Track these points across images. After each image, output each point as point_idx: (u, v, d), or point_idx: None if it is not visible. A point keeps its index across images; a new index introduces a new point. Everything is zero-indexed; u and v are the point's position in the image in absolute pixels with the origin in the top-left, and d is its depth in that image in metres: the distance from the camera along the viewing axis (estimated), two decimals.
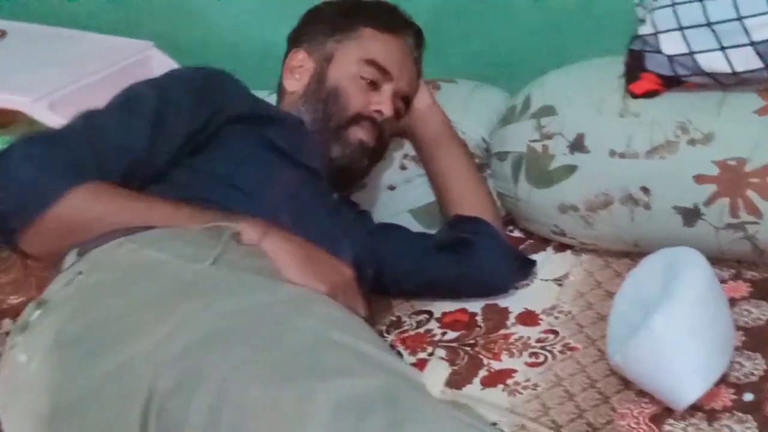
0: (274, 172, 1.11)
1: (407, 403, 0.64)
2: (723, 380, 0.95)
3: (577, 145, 1.22)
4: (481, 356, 1.12)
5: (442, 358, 1.09)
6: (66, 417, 0.72)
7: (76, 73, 1.62)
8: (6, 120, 1.72)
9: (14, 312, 1.53)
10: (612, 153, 1.19)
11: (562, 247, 1.33)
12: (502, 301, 1.23)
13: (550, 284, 1.25)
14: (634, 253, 1.24)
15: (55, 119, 1.50)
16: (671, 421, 0.93)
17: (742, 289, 1.14)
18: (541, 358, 1.09)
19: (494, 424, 0.79)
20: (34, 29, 1.84)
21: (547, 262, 1.31)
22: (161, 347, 0.70)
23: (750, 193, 1.11)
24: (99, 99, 1.64)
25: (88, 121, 1.01)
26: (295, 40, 1.32)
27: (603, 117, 1.22)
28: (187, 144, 1.06)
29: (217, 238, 0.85)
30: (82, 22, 1.87)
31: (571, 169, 1.23)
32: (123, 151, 0.98)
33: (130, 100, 1.06)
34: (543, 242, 1.36)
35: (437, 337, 1.19)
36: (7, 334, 0.88)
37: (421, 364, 0.92)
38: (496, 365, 1.10)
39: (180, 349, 0.69)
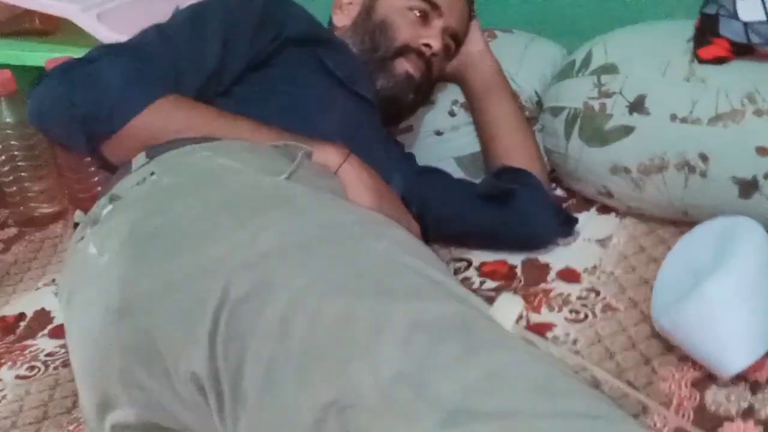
0: (330, 98, 1.11)
1: (481, 332, 0.63)
2: None
3: (637, 106, 1.20)
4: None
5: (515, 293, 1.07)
6: (136, 310, 0.72)
7: None
8: (50, 28, 1.70)
9: (45, 221, 1.53)
10: (673, 117, 1.16)
11: (605, 209, 1.32)
12: (543, 257, 1.22)
13: (593, 244, 1.23)
14: (681, 222, 1.23)
15: (102, 30, 1.49)
16: (714, 387, 0.93)
17: None
18: (582, 315, 1.08)
19: None
20: None
21: (590, 223, 1.29)
22: (236, 253, 0.69)
23: None
24: (145, 14, 1.62)
25: (162, 36, 1.02)
26: None
27: (667, 80, 1.19)
28: (251, 62, 1.06)
29: (288, 155, 0.85)
30: None
31: (628, 130, 1.20)
32: (197, 68, 1.01)
33: (197, 19, 1.06)
34: (586, 203, 1.34)
35: (476, 285, 1.18)
36: (76, 225, 0.87)
37: None
38: (535, 317, 1.09)
39: (255, 257, 0.69)
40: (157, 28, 1.03)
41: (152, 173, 0.82)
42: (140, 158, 0.89)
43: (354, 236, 0.72)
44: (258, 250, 0.69)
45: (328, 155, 0.90)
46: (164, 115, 0.92)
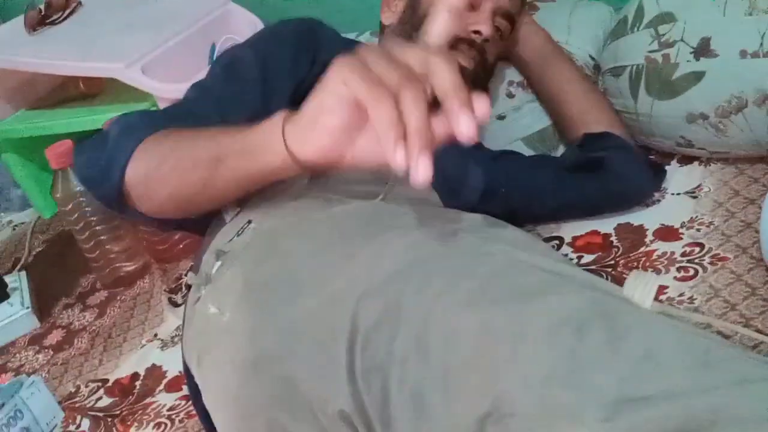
0: None
1: (622, 317, 0.63)
2: None
3: (703, 50, 1.17)
4: (625, 276, 1.09)
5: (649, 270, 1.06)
6: (270, 360, 0.72)
7: (159, 36, 1.61)
8: (95, 89, 1.73)
9: (131, 279, 1.56)
10: (743, 54, 1.14)
11: (686, 159, 1.30)
12: (635, 219, 1.20)
13: (683, 197, 1.22)
14: None
15: (148, 82, 1.51)
16: None
17: None
18: (691, 272, 1.06)
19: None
20: None
21: (675, 176, 1.27)
22: (357, 282, 0.69)
23: None
24: (185, 58, 1.65)
25: (200, 89, 1.02)
26: None
27: (729, 18, 1.16)
28: (296, 90, 1.04)
29: (376, 174, 0.85)
30: None
31: (697, 76, 1.18)
32: (240, 108, 0.97)
33: (232, 63, 1.06)
34: (666, 156, 1.32)
35: (573, 261, 1.17)
36: (188, 288, 0.87)
37: None
38: None
39: (377, 282, 0.69)
40: (194, 84, 1.03)
41: (249, 221, 0.82)
42: (230, 208, 0.89)
43: (467, 244, 0.72)
44: (377, 277, 0.69)
45: (264, 130, 0.72)
46: (149, 155, 0.84)
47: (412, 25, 1.21)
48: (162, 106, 1.53)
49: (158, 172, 0.82)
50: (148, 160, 0.84)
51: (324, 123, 0.62)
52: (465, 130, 0.57)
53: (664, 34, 1.22)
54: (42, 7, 1.77)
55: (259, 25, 1.69)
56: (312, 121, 0.64)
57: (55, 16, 1.75)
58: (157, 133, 0.86)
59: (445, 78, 0.57)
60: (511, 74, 1.37)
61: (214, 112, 0.97)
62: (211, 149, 0.77)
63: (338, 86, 0.60)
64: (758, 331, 0.92)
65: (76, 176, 0.93)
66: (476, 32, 1.18)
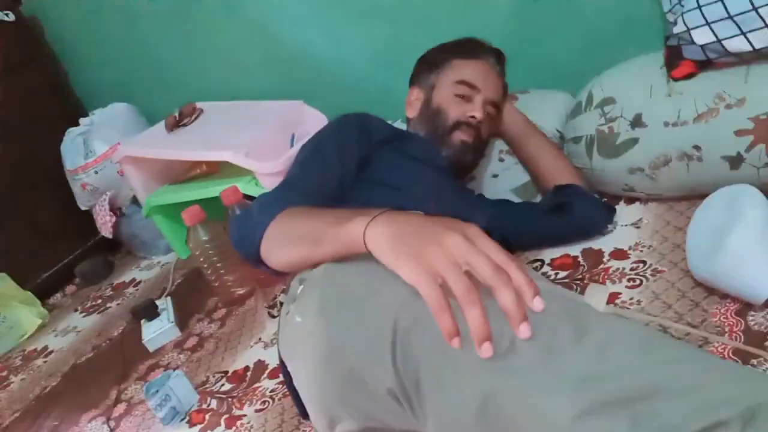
0: (417, 174, 1.12)
1: (585, 318, 0.63)
2: None
3: (637, 122, 1.18)
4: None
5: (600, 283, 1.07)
6: (339, 354, 0.74)
7: (256, 130, 1.67)
8: (214, 169, 1.79)
9: (242, 299, 1.59)
10: (666, 124, 1.14)
11: (631, 200, 1.29)
12: (596, 245, 1.20)
13: (630, 228, 1.21)
14: (691, 197, 1.20)
15: (250, 163, 1.56)
16: (752, 312, 0.90)
17: None
18: (638, 282, 1.06)
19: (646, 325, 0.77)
20: (221, 105, 1.91)
21: (623, 213, 1.27)
22: (395, 300, 0.71)
23: None
24: (274, 144, 1.69)
25: (302, 166, 1.04)
26: (412, 81, 1.33)
27: (654, 99, 1.17)
28: (359, 164, 1.08)
29: None
30: (252, 93, 1.93)
31: (634, 141, 1.19)
32: (331, 180, 1.01)
33: (318, 149, 1.08)
34: (615, 198, 1.32)
35: (552, 277, 1.17)
36: (281, 304, 0.89)
37: None
38: None
39: (407, 300, 0.70)
40: (296, 163, 1.06)
41: None
42: None
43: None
44: (406, 295, 0.71)
45: (351, 230, 0.71)
46: (276, 231, 0.85)
47: (428, 116, 1.25)
48: (260, 180, 1.58)
49: (278, 246, 0.85)
50: (274, 235, 0.85)
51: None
52: (523, 333, 0.58)
53: (608, 112, 1.23)
54: (176, 114, 1.84)
55: (324, 119, 1.74)
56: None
57: (185, 120, 1.83)
58: (287, 211, 0.87)
59: (507, 298, 0.58)
60: (501, 145, 1.39)
61: (314, 185, 1.00)
62: (314, 233, 0.79)
63: (420, 266, 0.61)
64: (688, 324, 0.92)
65: (231, 240, 0.92)
66: (472, 117, 1.21)
